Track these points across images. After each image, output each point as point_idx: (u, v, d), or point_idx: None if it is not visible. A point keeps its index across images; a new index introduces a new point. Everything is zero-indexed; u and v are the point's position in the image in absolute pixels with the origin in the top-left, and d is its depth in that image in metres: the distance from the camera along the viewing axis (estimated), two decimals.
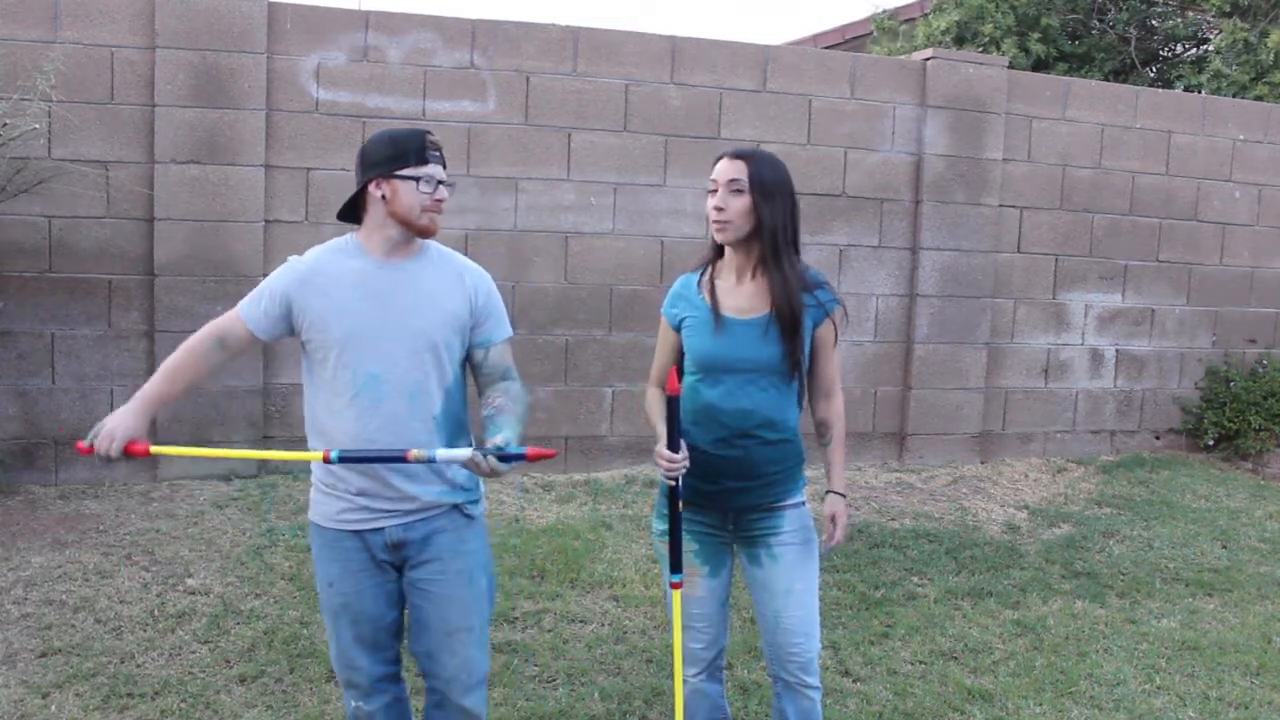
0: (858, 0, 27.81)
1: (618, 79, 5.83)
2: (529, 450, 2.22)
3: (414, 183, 2.33)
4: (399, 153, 2.34)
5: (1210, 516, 5.85)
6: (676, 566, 2.49)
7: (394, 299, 2.37)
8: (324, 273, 2.39)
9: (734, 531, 2.61)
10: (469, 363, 2.51)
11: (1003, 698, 3.62)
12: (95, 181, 5.11)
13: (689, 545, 2.59)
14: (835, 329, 2.59)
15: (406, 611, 2.52)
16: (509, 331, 2.54)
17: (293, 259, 2.43)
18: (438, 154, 2.38)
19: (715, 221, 2.51)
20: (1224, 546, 5.41)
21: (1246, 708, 3.66)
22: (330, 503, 2.43)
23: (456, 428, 2.46)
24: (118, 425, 2.31)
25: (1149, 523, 5.67)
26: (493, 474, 2.25)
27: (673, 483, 2.42)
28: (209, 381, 4.80)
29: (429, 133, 2.39)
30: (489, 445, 2.25)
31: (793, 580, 2.55)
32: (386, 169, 2.34)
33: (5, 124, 4.56)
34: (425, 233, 2.39)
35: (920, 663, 3.88)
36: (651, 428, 2.60)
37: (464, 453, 2.24)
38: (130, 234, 5.22)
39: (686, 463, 2.39)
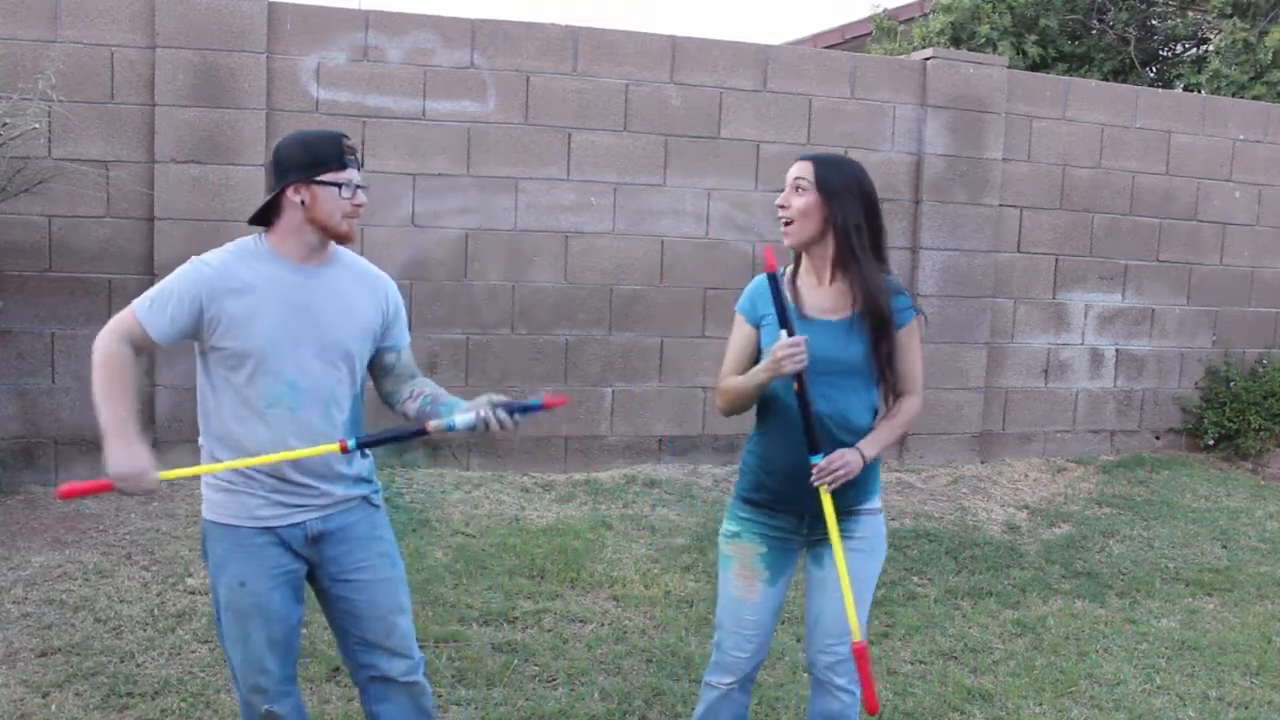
0: (858, 0, 27.86)
1: (618, 79, 5.83)
2: (545, 399, 2.29)
3: (335, 189, 2.31)
4: (317, 158, 2.31)
5: (1210, 516, 5.85)
6: (815, 447, 2.41)
7: (314, 308, 2.36)
8: (238, 277, 2.31)
9: (807, 535, 2.58)
10: (379, 365, 2.54)
11: (1003, 698, 3.62)
12: (95, 181, 5.11)
13: (757, 547, 2.56)
14: (917, 333, 2.58)
15: (331, 615, 2.51)
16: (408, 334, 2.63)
17: (197, 261, 2.33)
18: (354, 157, 2.36)
19: (780, 219, 2.53)
20: (1224, 546, 5.41)
21: (1246, 708, 3.66)
22: (241, 501, 2.38)
23: (358, 431, 2.48)
24: (136, 467, 2.20)
25: (1149, 522, 5.67)
26: (504, 429, 2.27)
27: (799, 367, 2.34)
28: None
29: (345, 136, 2.38)
30: (495, 401, 2.29)
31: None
32: (305, 174, 2.30)
33: (5, 124, 4.55)
34: (345, 238, 2.39)
35: (920, 663, 3.88)
36: (739, 390, 2.52)
37: (476, 416, 2.28)
38: (130, 234, 5.22)
39: (803, 344, 2.34)
